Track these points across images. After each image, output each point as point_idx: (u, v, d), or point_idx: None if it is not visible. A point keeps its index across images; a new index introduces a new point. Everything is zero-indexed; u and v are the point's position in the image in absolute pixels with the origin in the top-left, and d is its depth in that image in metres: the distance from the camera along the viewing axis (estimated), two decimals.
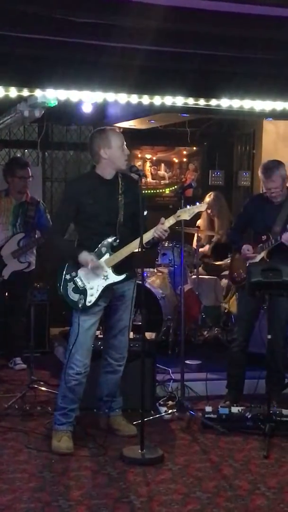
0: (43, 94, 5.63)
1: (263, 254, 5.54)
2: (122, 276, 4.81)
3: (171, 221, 4.85)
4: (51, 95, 5.67)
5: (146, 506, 3.97)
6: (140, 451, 4.62)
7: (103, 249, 4.78)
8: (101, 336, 5.25)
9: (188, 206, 4.93)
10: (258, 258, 5.56)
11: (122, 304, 4.95)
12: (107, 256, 4.78)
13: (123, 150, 4.81)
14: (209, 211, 7.88)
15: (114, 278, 4.80)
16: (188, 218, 4.95)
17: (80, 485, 4.22)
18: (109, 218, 4.79)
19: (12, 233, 6.68)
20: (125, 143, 4.85)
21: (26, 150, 8.86)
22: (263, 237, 5.56)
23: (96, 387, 5.10)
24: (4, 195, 6.77)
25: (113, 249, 4.78)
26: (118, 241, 4.78)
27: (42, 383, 5.91)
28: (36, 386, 5.77)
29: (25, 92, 5.62)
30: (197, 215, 7.84)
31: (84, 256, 4.72)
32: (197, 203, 5.05)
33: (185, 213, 4.91)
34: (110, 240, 4.77)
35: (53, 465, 4.52)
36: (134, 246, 4.76)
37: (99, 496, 4.08)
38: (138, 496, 4.08)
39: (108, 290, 4.82)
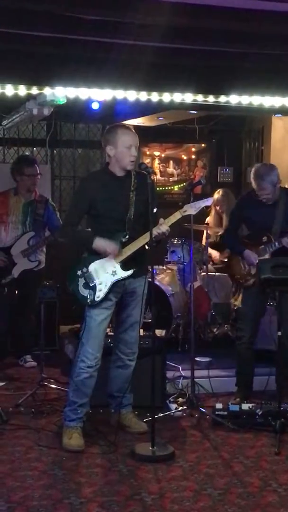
0: (52, 92, 5.63)
1: (267, 256, 5.56)
2: (130, 272, 4.82)
3: (177, 215, 4.86)
4: (60, 93, 5.67)
5: (158, 503, 3.97)
6: (151, 448, 4.62)
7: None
8: (111, 333, 5.26)
9: (195, 202, 4.94)
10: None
11: (133, 300, 4.96)
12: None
13: (130, 150, 4.77)
14: (217, 207, 7.85)
15: (122, 273, 4.81)
16: (194, 213, 4.95)
17: (91, 482, 4.22)
18: (120, 215, 4.80)
19: (22, 231, 6.69)
20: (136, 144, 4.81)
21: (34, 148, 8.89)
22: (263, 238, 5.58)
23: (106, 384, 5.10)
24: (13, 194, 6.78)
25: (122, 244, 4.80)
26: (127, 237, 4.79)
27: (52, 380, 5.93)
28: (46, 383, 5.79)
29: (34, 90, 5.63)
30: (206, 213, 7.88)
31: (100, 241, 4.74)
32: (203, 199, 5.06)
33: (191, 208, 4.92)
34: (118, 235, 4.78)
35: (64, 462, 4.53)
36: (141, 242, 4.78)
37: (110, 493, 4.08)
38: (149, 493, 4.08)
39: (118, 285, 4.84)
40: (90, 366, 4.82)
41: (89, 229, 4.99)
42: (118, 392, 5.10)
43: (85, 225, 5.14)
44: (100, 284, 4.81)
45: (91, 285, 4.81)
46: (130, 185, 4.83)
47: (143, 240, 4.77)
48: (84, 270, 4.85)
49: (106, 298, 4.82)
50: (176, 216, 4.86)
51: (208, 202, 5.13)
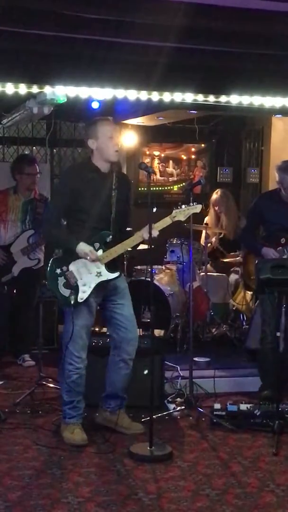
0: (52, 90, 5.63)
1: (285, 257, 5.50)
2: (116, 274, 4.77)
3: (167, 221, 4.84)
4: (61, 92, 5.67)
5: (155, 503, 3.97)
6: (148, 448, 4.61)
7: (96, 245, 4.72)
8: (108, 333, 5.21)
9: (183, 207, 4.87)
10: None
11: (118, 295, 4.88)
12: (100, 252, 4.72)
13: (112, 140, 4.73)
14: (216, 208, 7.85)
15: (107, 275, 4.75)
16: (183, 219, 4.92)
17: (89, 482, 4.22)
18: (102, 212, 4.73)
19: (21, 230, 6.69)
20: (116, 134, 4.80)
21: (34, 147, 8.86)
22: (281, 240, 5.51)
23: (99, 383, 5.03)
24: (13, 193, 6.77)
25: (106, 245, 4.73)
26: (111, 237, 4.73)
27: (50, 380, 5.91)
28: (44, 383, 5.78)
29: (35, 89, 5.62)
30: (205, 213, 7.87)
31: (83, 247, 4.67)
32: (192, 204, 4.97)
33: (180, 214, 4.87)
34: (103, 235, 4.72)
35: (62, 462, 4.52)
36: (128, 244, 4.74)
37: (108, 493, 4.08)
38: (147, 493, 4.08)
39: (101, 286, 4.78)
40: (79, 368, 4.81)
41: (67, 229, 4.91)
42: (122, 391, 5.03)
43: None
44: (84, 285, 4.72)
45: (73, 285, 4.74)
46: (111, 183, 4.78)
47: (131, 242, 4.73)
48: (64, 268, 4.77)
49: (86, 302, 4.75)
50: (166, 221, 4.83)
51: (197, 209, 5.00)
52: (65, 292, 4.75)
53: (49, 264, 4.86)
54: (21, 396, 5.60)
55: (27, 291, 6.66)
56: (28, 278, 6.61)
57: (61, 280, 4.77)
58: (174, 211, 4.87)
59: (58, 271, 4.79)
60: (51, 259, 4.89)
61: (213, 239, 7.80)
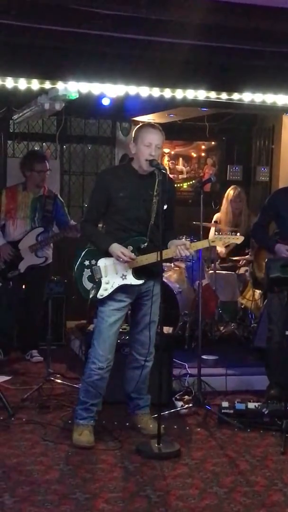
0: (64, 86, 5.62)
1: None
2: (141, 281, 4.72)
3: (205, 244, 4.89)
4: (73, 88, 5.66)
5: (163, 500, 3.97)
6: (157, 445, 4.61)
7: (129, 248, 4.68)
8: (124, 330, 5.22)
9: (224, 235, 4.92)
10: None
11: (148, 300, 4.83)
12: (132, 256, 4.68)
13: (149, 149, 4.61)
14: (235, 204, 7.78)
15: (132, 280, 4.71)
16: (221, 247, 4.93)
17: (97, 478, 4.22)
18: (140, 215, 4.68)
19: (30, 227, 6.66)
20: (157, 143, 4.63)
21: (44, 143, 8.87)
22: None
23: (116, 381, 4.99)
24: (22, 189, 6.73)
25: (139, 250, 4.69)
26: (146, 244, 4.68)
27: (58, 376, 5.92)
28: (52, 379, 5.79)
29: (47, 85, 5.62)
30: (213, 210, 7.87)
31: (116, 247, 4.62)
32: (233, 234, 4.97)
33: (220, 241, 4.92)
34: (138, 240, 4.68)
35: (69, 458, 4.52)
36: (153, 258, 4.64)
37: (116, 489, 4.08)
38: (155, 490, 4.08)
39: (132, 288, 4.75)
40: (101, 368, 4.74)
41: (104, 229, 4.88)
42: (135, 393, 5.02)
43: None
44: (107, 283, 4.71)
45: (96, 280, 4.74)
46: (152, 187, 4.66)
47: (163, 255, 4.61)
48: (93, 262, 4.75)
49: (118, 299, 4.73)
50: (204, 244, 4.88)
51: (238, 240, 4.99)
52: (88, 285, 4.76)
53: (81, 254, 4.83)
54: (29, 392, 5.61)
55: (35, 288, 6.65)
56: (35, 275, 6.61)
57: (87, 273, 4.77)
58: (214, 236, 4.91)
59: (87, 263, 4.78)
60: (85, 249, 4.83)
61: (223, 250, 7.70)
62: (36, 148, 8.71)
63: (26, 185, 6.74)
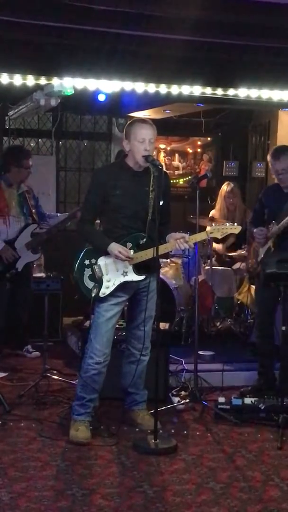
0: (60, 82, 5.61)
1: (269, 243, 5.51)
2: (142, 277, 4.72)
3: (203, 236, 4.85)
4: (68, 84, 5.65)
5: (160, 495, 3.97)
6: (153, 440, 4.62)
7: (128, 244, 4.68)
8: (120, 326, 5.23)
9: (221, 225, 4.89)
10: (266, 247, 5.53)
11: (145, 295, 4.81)
12: (131, 252, 4.68)
13: (143, 144, 4.61)
14: (230, 200, 7.77)
15: (133, 276, 4.72)
16: (219, 237, 4.93)
17: (93, 474, 4.23)
18: (137, 212, 4.68)
19: (24, 223, 6.58)
20: (151, 138, 4.63)
21: (40, 140, 8.86)
22: (269, 226, 5.52)
23: (113, 377, 5.00)
24: (7, 186, 6.49)
25: (138, 246, 4.70)
26: (145, 240, 4.69)
27: (55, 372, 5.92)
28: (49, 375, 5.79)
29: (43, 81, 5.61)
30: (210, 206, 7.86)
31: (114, 246, 4.63)
32: (229, 224, 4.97)
33: (218, 232, 4.87)
34: (137, 236, 4.68)
35: (66, 454, 4.52)
36: (159, 250, 4.60)
37: (113, 485, 4.09)
38: (152, 486, 4.08)
39: (129, 285, 4.75)
40: (98, 363, 4.75)
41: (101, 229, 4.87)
42: (131, 387, 5.03)
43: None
44: (108, 281, 4.72)
45: (97, 278, 4.74)
46: (148, 183, 4.66)
47: (163, 249, 4.64)
48: (93, 261, 4.76)
49: (116, 295, 4.73)
50: (202, 236, 4.85)
51: (236, 230, 4.98)
52: (89, 284, 4.75)
53: (80, 254, 4.82)
54: (26, 388, 5.61)
55: (23, 283, 6.55)
56: (28, 270, 6.60)
57: (88, 272, 4.76)
58: (211, 227, 4.86)
59: (87, 262, 4.78)
60: (84, 249, 4.82)
61: (221, 247, 7.70)
62: (31, 144, 8.67)
63: (10, 181, 6.51)
